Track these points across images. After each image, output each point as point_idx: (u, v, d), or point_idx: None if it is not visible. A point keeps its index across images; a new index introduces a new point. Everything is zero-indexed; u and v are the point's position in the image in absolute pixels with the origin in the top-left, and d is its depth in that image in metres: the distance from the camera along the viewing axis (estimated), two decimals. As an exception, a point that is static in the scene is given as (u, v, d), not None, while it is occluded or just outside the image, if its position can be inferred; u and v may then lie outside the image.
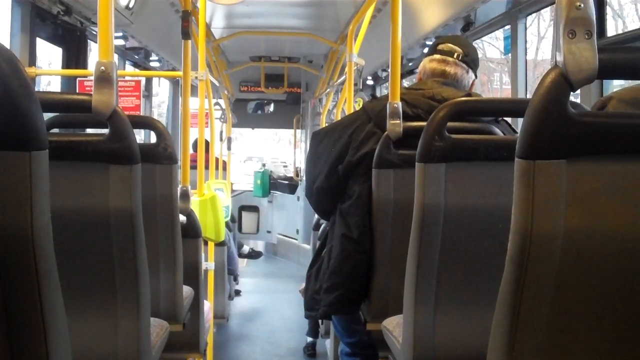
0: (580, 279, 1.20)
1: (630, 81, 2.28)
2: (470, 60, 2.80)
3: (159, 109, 10.50)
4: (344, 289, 2.68)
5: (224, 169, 7.46)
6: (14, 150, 1.06)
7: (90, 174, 1.78)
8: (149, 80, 7.64)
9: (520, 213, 1.17)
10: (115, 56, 6.19)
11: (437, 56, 2.78)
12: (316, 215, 5.91)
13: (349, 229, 2.64)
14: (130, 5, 5.00)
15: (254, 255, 9.47)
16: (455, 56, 2.76)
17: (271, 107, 11.34)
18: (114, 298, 1.87)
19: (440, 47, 2.80)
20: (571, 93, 1.14)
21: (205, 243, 4.32)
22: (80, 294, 1.82)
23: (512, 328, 1.22)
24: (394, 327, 2.35)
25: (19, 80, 1.04)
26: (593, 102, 3.13)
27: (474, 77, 2.82)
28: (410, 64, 6.94)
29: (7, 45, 3.66)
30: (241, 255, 8.96)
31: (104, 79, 1.82)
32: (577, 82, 1.12)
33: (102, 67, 1.84)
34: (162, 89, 9.38)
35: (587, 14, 1.11)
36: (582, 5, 1.11)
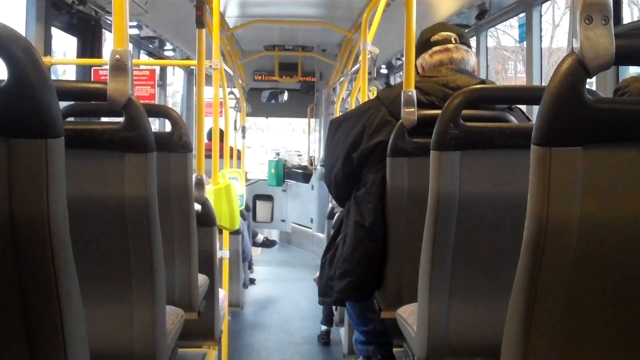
0: (596, 266, 1.20)
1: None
2: (467, 40, 2.81)
3: (174, 98, 10.51)
4: (355, 276, 2.68)
5: (239, 157, 7.46)
6: (30, 137, 1.07)
7: (106, 163, 1.78)
8: (163, 70, 7.64)
9: (536, 200, 1.16)
10: (130, 45, 6.23)
11: (436, 47, 2.76)
12: (330, 204, 5.92)
13: (362, 216, 2.65)
14: (145, -6, 5.01)
15: (268, 244, 9.49)
16: (453, 40, 2.75)
17: (285, 96, 11.33)
18: (129, 286, 1.88)
19: (434, 38, 2.77)
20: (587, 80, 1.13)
21: (220, 231, 4.32)
22: (95, 282, 1.83)
23: (527, 316, 1.22)
24: (409, 316, 2.35)
25: (35, 69, 1.05)
26: (609, 88, 3.11)
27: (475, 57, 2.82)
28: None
29: (23, 35, 3.67)
30: (255, 244, 8.97)
31: (119, 67, 1.82)
32: (594, 68, 1.11)
33: (117, 56, 1.84)
34: (176, 78, 9.39)
35: (604, 0, 1.10)
36: None
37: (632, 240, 1.18)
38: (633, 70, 3.27)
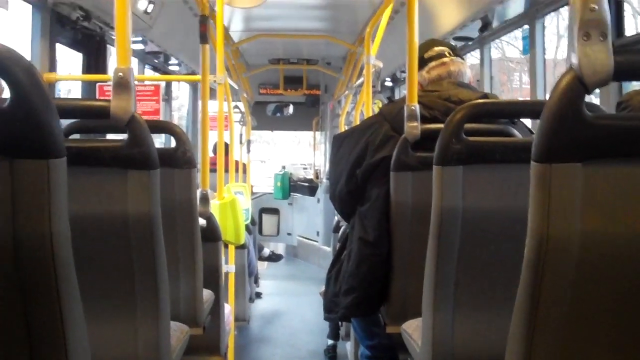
0: (597, 282, 1.20)
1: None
2: (459, 52, 2.83)
3: (179, 112, 10.53)
4: (361, 291, 2.68)
5: (244, 171, 7.47)
6: (32, 158, 1.08)
7: (109, 180, 1.79)
8: (168, 84, 7.67)
9: (536, 217, 1.16)
10: (135, 60, 6.26)
11: (433, 63, 2.78)
12: (336, 218, 5.91)
13: (366, 232, 2.65)
14: (149, 10, 5.04)
15: (274, 258, 9.48)
16: (447, 54, 2.78)
17: (290, 110, 11.34)
18: (133, 303, 1.88)
19: (428, 54, 2.80)
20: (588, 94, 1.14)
21: (226, 246, 4.33)
22: (99, 299, 1.84)
23: (529, 331, 1.22)
24: (413, 330, 2.35)
25: (36, 90, 1.06)
26: (612, 102, 3.11)
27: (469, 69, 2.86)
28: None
29: (28, 51, 3.68)
30: (261, 258, 8.96)
31: (122, 84, 1.83)
32: (592, 84, 1.11)
33: (120, 73, 1.85)
34: (182, 92, 9.43)
35: (602, 16, 1.11)
36: (597, 7, 1.10)
37: (633, 255, 1.18)
38: (637, 84, 3.27)
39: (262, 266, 9.17)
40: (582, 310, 1.20)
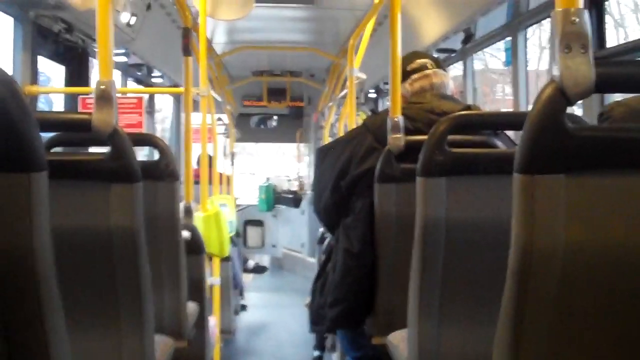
0: (581, 292, 1.20)
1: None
2: (442, 64, 2.85)
3: (163, 124, 10.51)
4: (346, 303, 2.68)
5: (228, 183, 7.46)
6: (12, 172, 1.07)
7: (91, 193, 1.78)
8: (151, 97, 7.65)
9: (520, 228, 1.17)
10: (118, 73, 6.24)
11: (415, 75, 2.80)
12: (320, 229, 5.91)
13: (350, 243, 2.65)
14: (132, 23, 5.02)
15: (259, 270, 9.46)
16: (429, 66, 2.80)
17: (274, 122, 11.35)
18: (117, 316, 1.87)
19: (411, 67, 2.82)
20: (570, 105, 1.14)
21: (210, 258, 4.32)
22: (83, 313, 1.82)
23: (514, 341, 1.22)
24: (399, 342, 2.35)
25: (16, 103, 1.05)
26: (595, 113, 3.13)
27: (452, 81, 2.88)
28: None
29: (10, 64, 3.65)
30: (246, 270, 8.93)
31: (104, 97, 1.83)
32: (574, 96, 1.12)
33: (102, 86, 1.85)
34: (165, 104, 9.40)
35: (583, 29, 1.12)
36: (578, 19, 1.11)
37: (616, 265, 1.19)
38: (619, 95, 3.29)
39: (247, 278, 9.14)
40: (567, 320, 1.20)
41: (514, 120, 2.14)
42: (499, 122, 2.26)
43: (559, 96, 1.12)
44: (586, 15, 1.13)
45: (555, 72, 1.12)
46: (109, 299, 1.86)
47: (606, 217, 1.17)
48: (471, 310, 2.07)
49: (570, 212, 1.16)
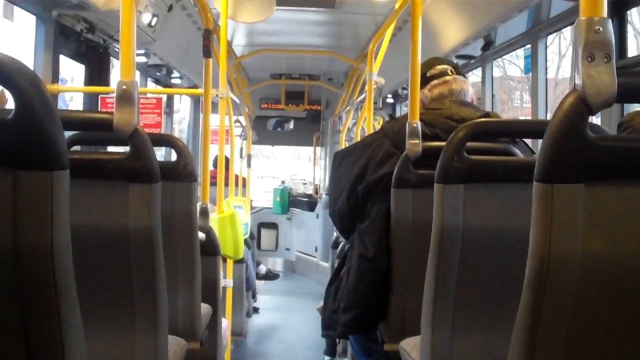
0: (598, 303, 1.19)
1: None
2: (462, 71, 2.84)
3: (180, 125, 10.54)
4: (360, 308, 2.67)
5: (244, 185, 7.47)
6: (36, 169, 1.08)
7: (110, 192, 1.79)
8: (170, 97, 7.68)
9: (538, 237, 1.16)
10: (137, 73, 6.27)
11: (435, 81, 2.79)
12: (335, 234, 5.91)
13: (365, 248, 2.64)
14: (153, 23, 5.05)
15: (271, 276, 9.45)
16: (449, 72, 2.78)
17: (291, 125, 11.34)
18: (131, 316, 1.87)
19: (430, 73, 2.80)
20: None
21: (224, 260, 4.32)
22: (98, 311, 1.83)
23: (529, 352, 1.21)
24: (412, 348, 2.34)
25: (41, 101, 1.06)
26: (614, 123, 3.12)
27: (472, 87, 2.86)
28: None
29: (31, 62, 3.68)
30: (258, 276, 8.93)
31: (126, 98, 1.83)
32: (596, 105, 1.11)
33: (124, 87, 1.85)
34: (183, 105, 9.43)
35: (606, 38, 1.11)
36: (601, 29, 1.11)
37: (634, 276, 1.18)
38: (638, 105, 3.27)
39: (260, 281, 9.14)
40: (582, 330, 1.20)
41: (533, 129, 2.13)
42: (518, 130, 2.25)
43: (581, 105, 1.12)
44: (610, 24, 1.12)
45: (577, 81, 1.12)
46: (124, 298, 1.86)
47: (625, 227, 1.17)
48: (485, 319, 2.06)
49: (589, 222, 1.15)
